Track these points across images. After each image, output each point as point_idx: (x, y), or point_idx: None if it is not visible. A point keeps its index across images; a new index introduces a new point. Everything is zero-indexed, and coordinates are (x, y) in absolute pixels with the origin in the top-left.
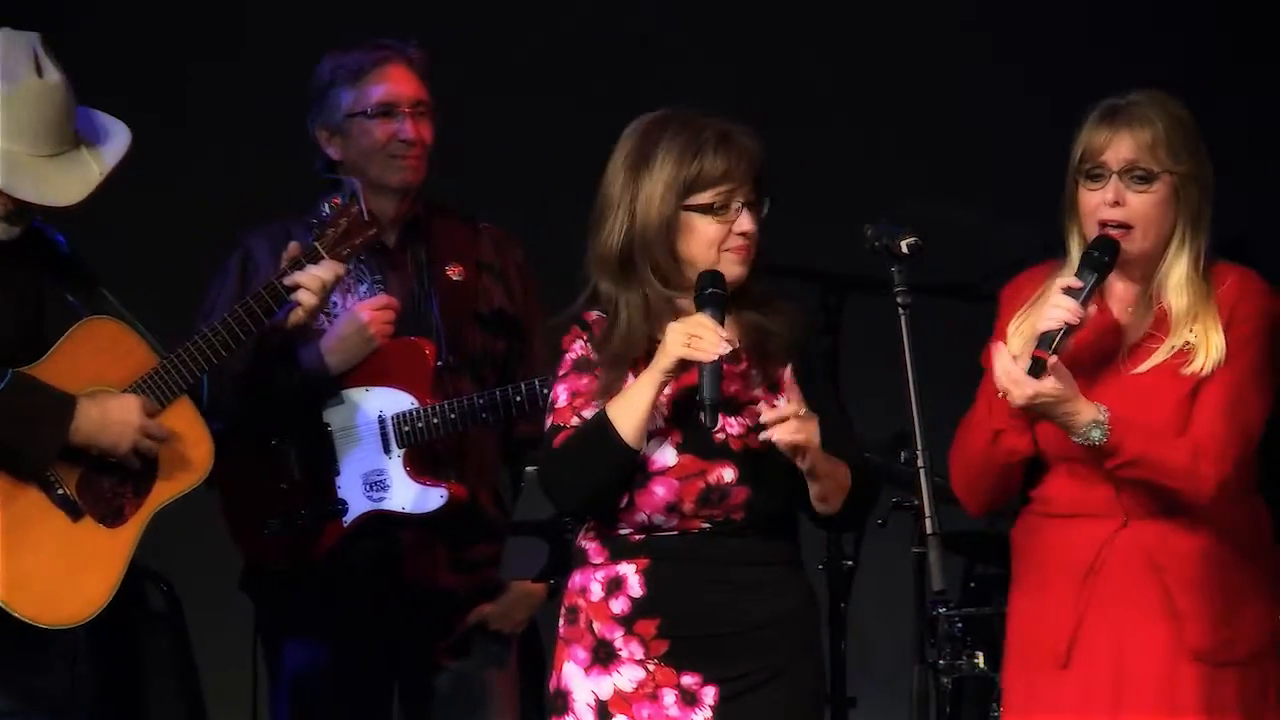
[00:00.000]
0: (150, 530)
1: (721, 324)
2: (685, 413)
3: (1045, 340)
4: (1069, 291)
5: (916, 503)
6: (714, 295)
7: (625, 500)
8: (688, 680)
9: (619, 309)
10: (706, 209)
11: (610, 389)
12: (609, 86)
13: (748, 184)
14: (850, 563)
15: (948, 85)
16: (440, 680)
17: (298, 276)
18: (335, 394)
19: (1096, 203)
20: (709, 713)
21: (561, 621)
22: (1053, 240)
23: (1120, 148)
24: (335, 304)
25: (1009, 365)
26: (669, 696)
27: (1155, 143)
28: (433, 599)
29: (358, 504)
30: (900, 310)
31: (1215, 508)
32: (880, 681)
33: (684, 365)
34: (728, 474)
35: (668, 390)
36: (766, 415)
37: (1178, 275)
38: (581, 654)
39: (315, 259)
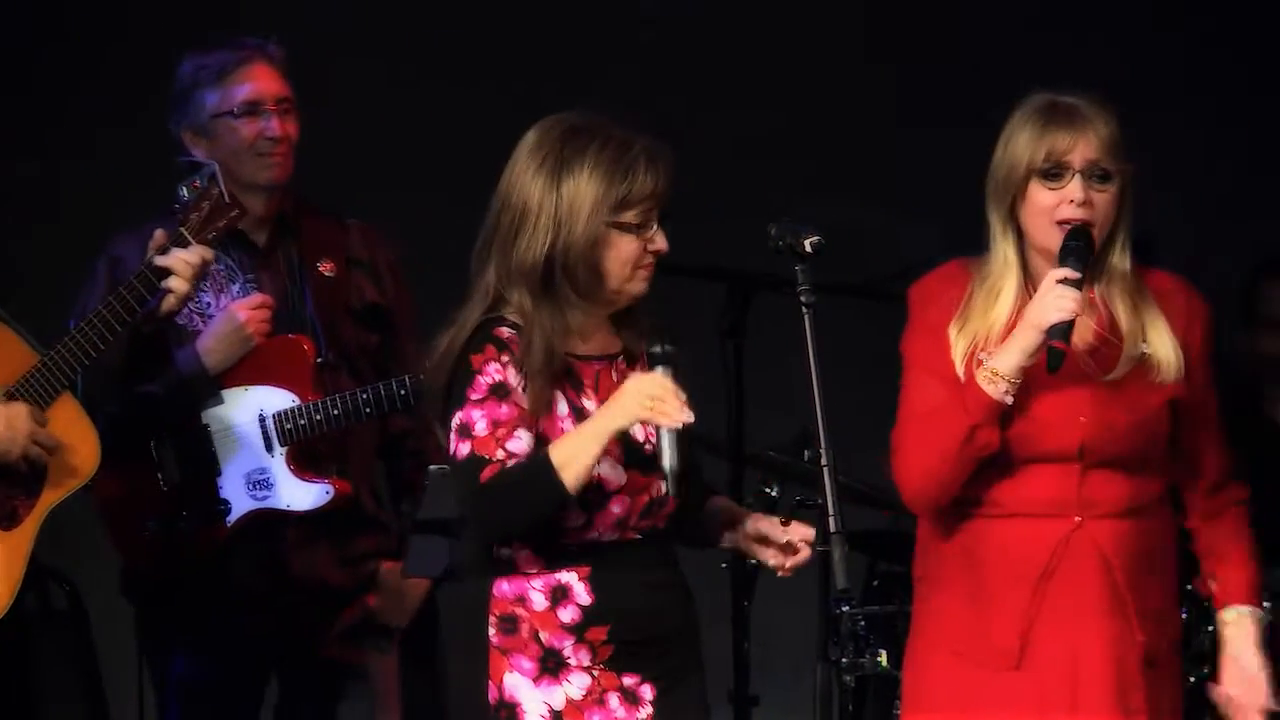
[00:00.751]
0: (52, 531)
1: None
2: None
3: (1057, 331)
4: (1066, 282)
5: (820, 501)
6: (664, 354)
7: (582, 520)
8: (629, 681)
9: (535, 324)
10: (629, 227)
11: (538, 410)
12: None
13: (664, 202)
14: (754, 561)
15: (849, 84)
16: (325, 675)
17: (167, 261)
18: (214, 394)
19: (1056, 201)
20: (650, 709)
21: (494, 631)
22: (956, 239)
23: (1085, 147)
24: (209, 304)
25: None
26: (614, 699)
27: (1113, 142)
28: (318, 595)
29: (241, 503)
30: (804, 309)
31: (1159, 509)
32: (783, 680)
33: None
34: (662, 485)
35: (593, 406)
36: (779, 561)
37: (1121, 276)
38: (526, 664)
39: (182, 244)
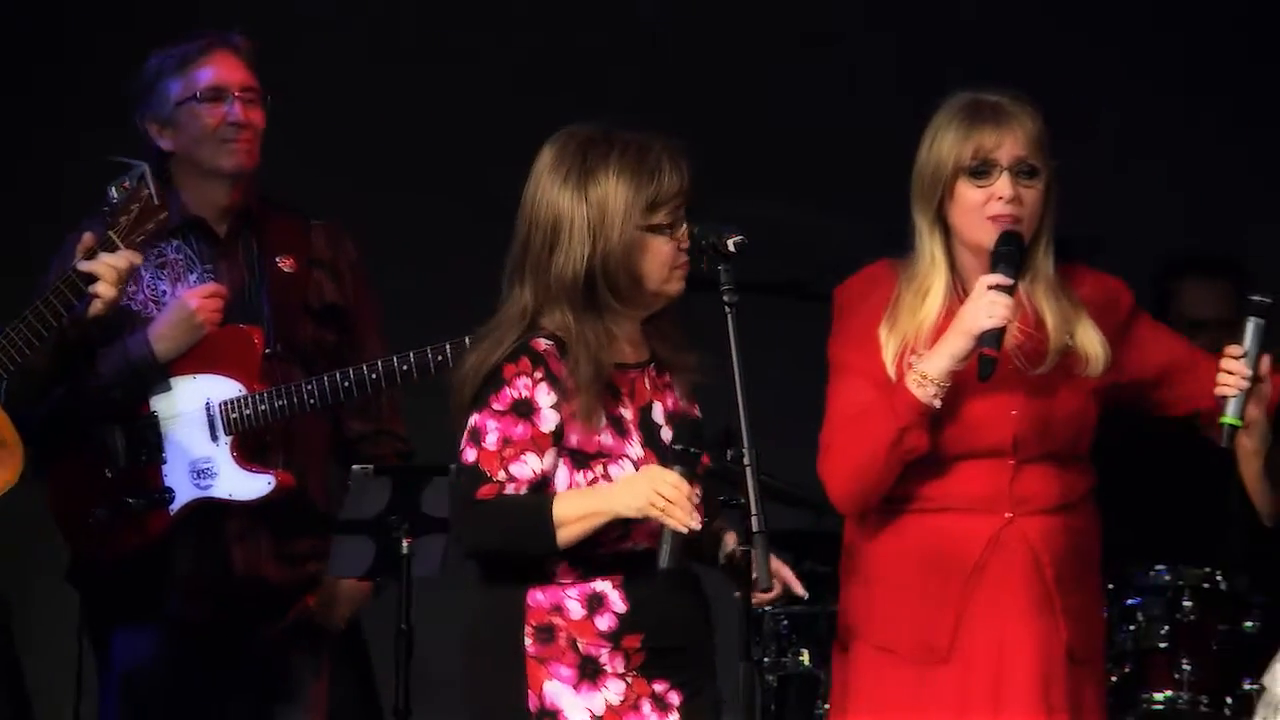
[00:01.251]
0: None
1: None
2: (652, 434)
3: (989, 338)
4: (998, 289)
5: (743, 501)
6: (685, 453)
7: (620, 531)
8: (659, 688)
9: (581, 340)
10: (662, 228)
11: (587, 422)
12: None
13: (689, 199)
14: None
15: (772, 83)
16: (257, 672)
17: (93, 267)
18: (162, 381)
19: (985, 198)
20: (677, 715)
21: (530, 641)
22: (876, 238)
23: (1012, 144)
24: (164, 292)
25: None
26: (646, 705)
27: (1039, 138)
28: (256, 591)
29: (184, 491)
30: (727, 309)
31: (1087, 506)
32: None
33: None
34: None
35: (630, 415)
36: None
37: (1045, 273)
38: (565, 671)
39: (111, 248)
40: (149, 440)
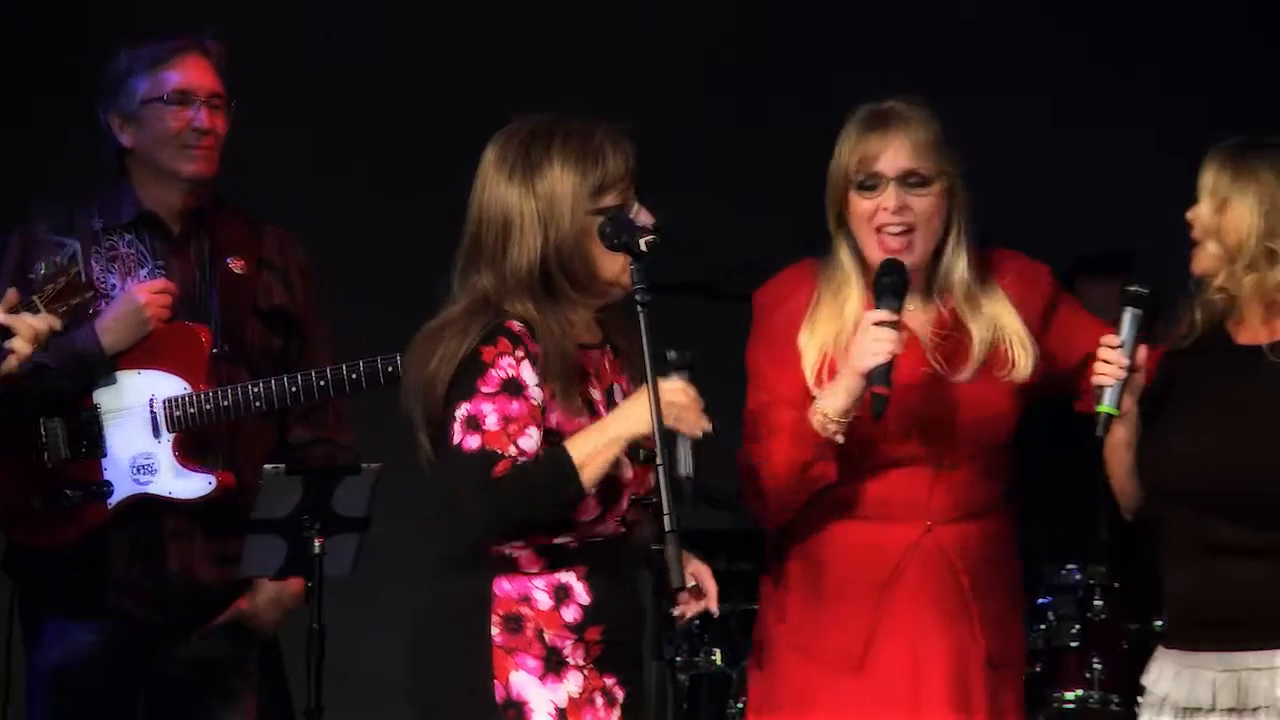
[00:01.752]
0: None
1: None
2: None
3: (877, 376)
4: (882, 324)
5: (655, 500)
6: (683, 360)
7: (597, 513)
8: (609, 681)
9: (544, 331)
10: (612, 210)
11: (569, 410)
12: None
13: (636, 180)
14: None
15: (683, 80)
16: (186, 673)
17: (11, 321)
18: (107, 374)
19: (874, 209)
20: (619, 712)
21: (497, 630)
22: (791, 238)
23: (896, 155)
24: (114, 285)
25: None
26: (598, 699)
27: (928, 146)
28: (189, 590)
29: (123, 486)
30: (639, 308)
31: (1002, 510)
32: None
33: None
34: (650, 478)
35: (599, 396)
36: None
37: (959, 274)
38: (532, 662)
39: (33, 310)
40: (90, 433)
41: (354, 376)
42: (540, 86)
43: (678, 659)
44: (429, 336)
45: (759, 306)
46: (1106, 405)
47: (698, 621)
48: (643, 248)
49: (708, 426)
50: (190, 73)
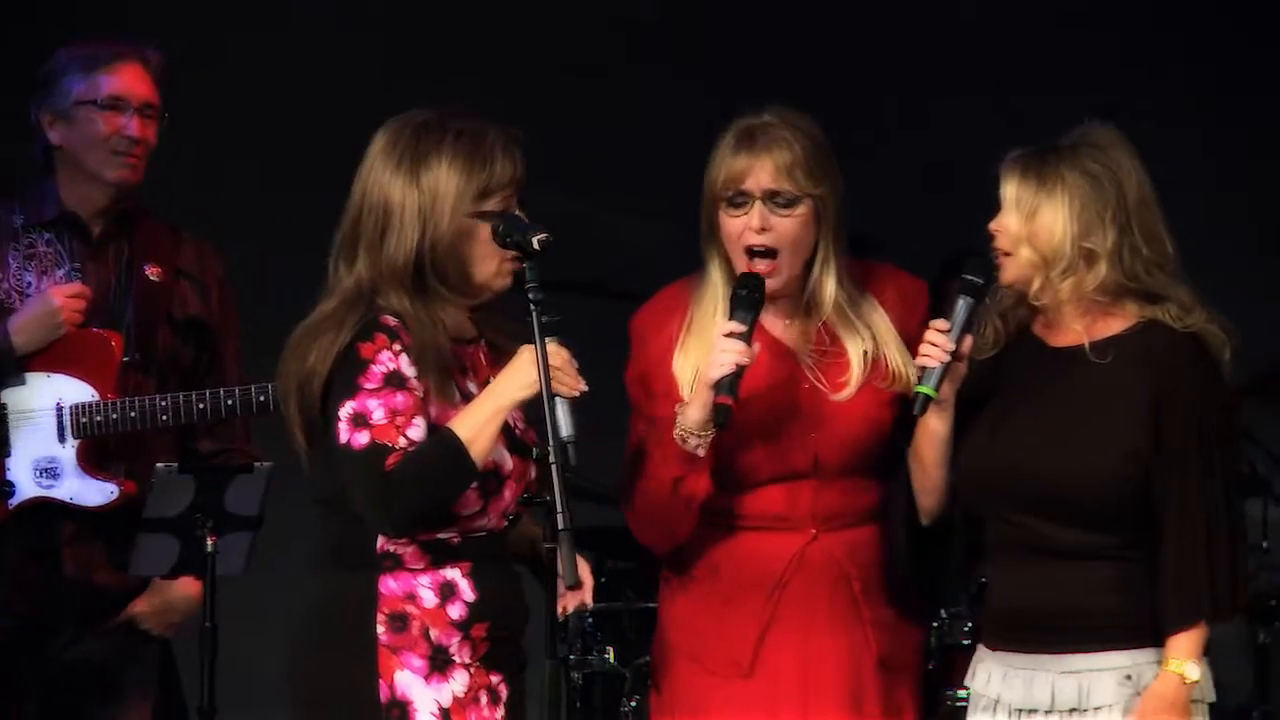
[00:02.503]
0: None
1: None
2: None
3: (722, 386)
4: (731, 336)
5: (548, 498)
6: (554, 324)
7: (478, 506)
8: (494, 679)
9: (416, 325)
10: (492, 216)
11: (443, 400)
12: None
13: (521, 188)
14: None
15: (571, 81)
16: (79, 673)
17: None
18: (16, 375)
19: (741, 228)
20: (503, 710)
21: (383, 629)
22: (679, 237)
23: (761, 174)
24: (30, 284)
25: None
26: (483, 697)
27: (794, 165)
28: (85, 594)
29: (25, 488)
30: (532, 306)
31: (886, 521)
32: None
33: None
34: (530, 471)
35: (475, 389)
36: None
37: (829, 292)
38: (417, 661)
39: None
40: None
41: (261, 399)
42: (407, 84)
43: (571, 657)
44: (305, 333)
45: (635, 334)
46: (927, 386)
47: (590, 619)
48: (535, 246)
49: (583, 386)
50: (127, 79)
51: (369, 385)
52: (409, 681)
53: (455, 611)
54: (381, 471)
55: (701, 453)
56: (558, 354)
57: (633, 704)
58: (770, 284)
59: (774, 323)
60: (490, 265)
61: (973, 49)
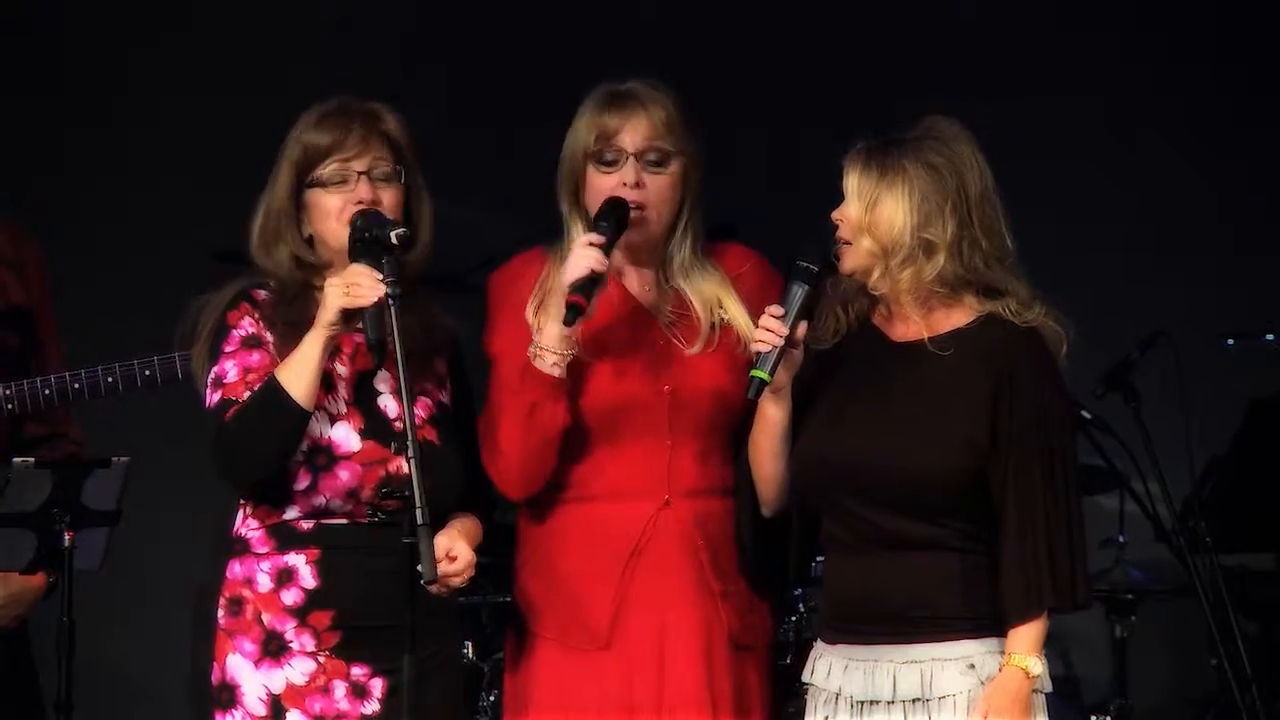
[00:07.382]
0: None
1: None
2: (367, 397)
3: (577, 286)
4: (591, 245)
5: (407, 493)
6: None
7: (307, 482)
8: (357, 672)
9: (283, 287)
10: (322, 183)
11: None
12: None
13: (369, 154)
14: None
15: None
16: None
17: None
18: None
19: (613, 185)
20: (377, 705)
21: (222, 613)
22: (529, 234)
23: (636, 131)
24: None
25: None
26: (340, 689)
27: (670, 124)
28: None
29: None
30: (390, 300)
31: (731, 501)
32: None
33: (348, 317)
34: (404, 465)
35: (345, 372)
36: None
37: (683, 258)
38: (249, 646)
39: None
40: None
41: (110, 380)
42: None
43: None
44: (197, 308)
45: (491, 291)
46: (761, 371)
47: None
48: (393, 241)
49: (383, 289)
50: None
51: (228, 348)
52: (239, 665)
53: (290, 597)
54: (222, 423)
55: (557, 373)
56: (354, 270)
57: (491, 699)
58: (634, 236)
59: (631, 281)
60: (332, 229)
61: (973, 49)
